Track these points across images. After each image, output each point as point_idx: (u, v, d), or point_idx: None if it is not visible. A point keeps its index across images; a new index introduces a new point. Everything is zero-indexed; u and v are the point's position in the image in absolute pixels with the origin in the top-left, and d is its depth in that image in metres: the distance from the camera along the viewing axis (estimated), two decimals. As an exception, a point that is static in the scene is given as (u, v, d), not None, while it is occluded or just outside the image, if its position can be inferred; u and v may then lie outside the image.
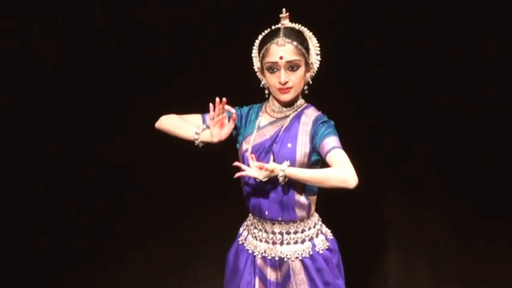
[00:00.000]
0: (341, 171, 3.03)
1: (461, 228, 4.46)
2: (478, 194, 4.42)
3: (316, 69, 3.31)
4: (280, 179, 3.05)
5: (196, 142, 3.24)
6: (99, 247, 4.52)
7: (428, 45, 4.27)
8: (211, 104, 3.19)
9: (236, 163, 3.15)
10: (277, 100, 3.28)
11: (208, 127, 3.25)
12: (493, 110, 4.30)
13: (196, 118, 3.35)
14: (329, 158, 3.12)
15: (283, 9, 3.24)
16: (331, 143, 3.14)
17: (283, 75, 3.19)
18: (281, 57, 3.18)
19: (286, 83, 3.20)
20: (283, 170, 3.04)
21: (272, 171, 3.04)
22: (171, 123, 3.32)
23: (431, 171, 4.44)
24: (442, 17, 4.24)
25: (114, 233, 4.52)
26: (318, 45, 3.30)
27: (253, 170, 3.06)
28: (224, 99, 3.18)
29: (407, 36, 4.26)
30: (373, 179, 4.39)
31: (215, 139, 3.21)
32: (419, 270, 4.52)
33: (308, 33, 3.28)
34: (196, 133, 3.25)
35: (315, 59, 3.29)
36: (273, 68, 3.21)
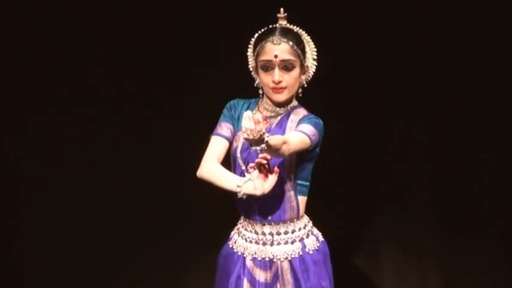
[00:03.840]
0: (285, 145, 2.93)
1: (450, 240, 4.48)
2: (466, 207, 4.45)
3: (312, 73, 3.29)
4: (264, 142, 2.81)
5: (239, 195, 3.11)
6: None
7: (429, 59, 4.30)
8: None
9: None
10: (271, 100, 3.26)
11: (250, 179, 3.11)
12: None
13: (220, 145, 3.27)
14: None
15: (281, 9, 3.22)
16: (303, 127, 3.12)
17: (277, 74, 3.17)
18: (276, 56, 3.15)
19: (279, 82, 3.18)
20: (267, 135, 2.83)
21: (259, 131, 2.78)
22: (212, 175, 3.21)
23: (424, 183, 4.46)
24: (444, 28, 4.27)
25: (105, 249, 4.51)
26: (315, 50, 3.28)
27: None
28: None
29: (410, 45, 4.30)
30: (365, 191, 4.47)
31: (258, 192, 3.08)
32: (409, 282, 4.53)
33: (306, 37, 3.26)
34: (238, 186, 3.11)
35: (311, 63, 3.28)
36: (267, 66, 3.18)
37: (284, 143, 2.94)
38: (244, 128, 2.76)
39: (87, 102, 4.37)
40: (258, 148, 2.80)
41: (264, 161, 3.00)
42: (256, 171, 3.04)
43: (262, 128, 2.75)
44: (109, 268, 4.46)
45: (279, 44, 3.17)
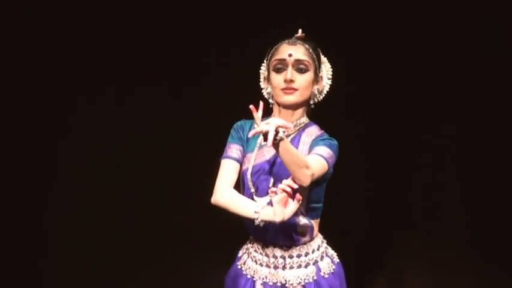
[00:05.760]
0: (309, 171, 2.87)
1: (487, 272, 4.38)
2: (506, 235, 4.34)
3: (325, 92, 3.21)
4: (278, 136, 2.77)
5: (257, 222, 3.00)
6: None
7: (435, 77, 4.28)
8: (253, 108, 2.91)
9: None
10: (279, 103, 3.13)
11: (269, 204, 3.01)
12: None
13: (231, 169, 3.16)
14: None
15: (299, 30, 3.19)
16: (319, 150, 3.02)
17: (289, 72, 3.08)
18: (290, 55, 3.08)
19: (291, 81, 3.08)
20: (283, 131, 2.81)
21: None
22: (227, 202, 3.10)
23: (457, 206, 4.38)
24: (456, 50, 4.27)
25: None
26: (331, 70, 3.23)
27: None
28: (261, 104, 2.91)
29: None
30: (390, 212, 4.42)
31: (278, 219, 2.95)
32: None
33: (323, 58, 3.21)
34: (255, 212, 3.00)
35: (325, 81, 3.20)
36: (279, 67, 3.10)
37: (306, 167, 2.86)
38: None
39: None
40: (269, 143, 2.73)
41: (289, 189, 2.88)
42: (278, 197, 2.93)
43: (278, 123, 2.74)
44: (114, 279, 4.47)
45: (294, 44, 3.13)
